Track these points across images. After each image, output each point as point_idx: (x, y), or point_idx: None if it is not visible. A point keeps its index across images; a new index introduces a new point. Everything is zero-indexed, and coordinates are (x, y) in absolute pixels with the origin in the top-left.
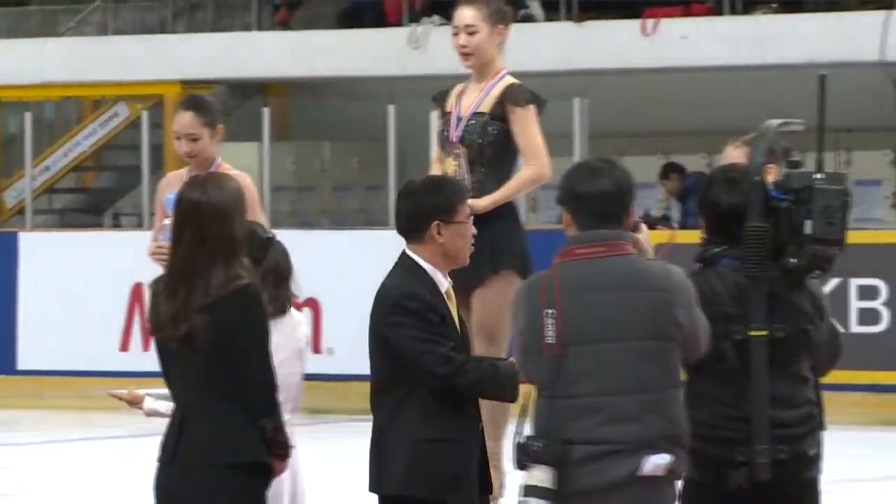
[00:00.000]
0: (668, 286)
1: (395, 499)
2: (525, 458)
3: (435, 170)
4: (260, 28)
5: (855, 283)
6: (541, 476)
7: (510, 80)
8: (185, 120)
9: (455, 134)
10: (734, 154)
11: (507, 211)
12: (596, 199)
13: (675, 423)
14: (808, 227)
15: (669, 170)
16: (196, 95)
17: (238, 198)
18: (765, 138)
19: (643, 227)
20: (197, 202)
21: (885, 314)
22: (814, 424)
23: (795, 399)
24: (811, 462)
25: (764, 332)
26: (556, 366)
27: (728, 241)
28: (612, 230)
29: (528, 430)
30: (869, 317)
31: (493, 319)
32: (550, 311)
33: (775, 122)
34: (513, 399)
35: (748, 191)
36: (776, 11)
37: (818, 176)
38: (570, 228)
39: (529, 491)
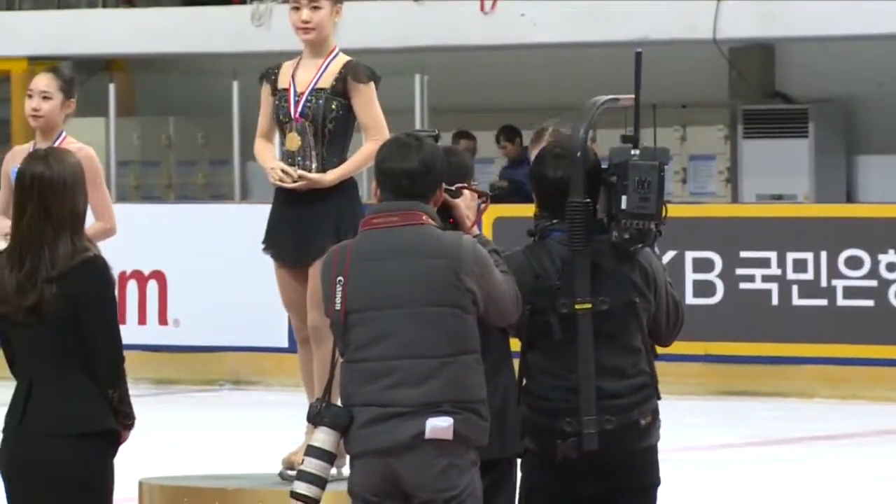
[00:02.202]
0: (454, 254)
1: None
2: (313, 419)
3: (260, 148)
4: (105, 5)
5: (690, 255)
6: (324, 438)
7: (346, 57)
8: (42, 79)
9: (296, 110)
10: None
11: (349, 185)
12: (400, 176)
13: (461, 388)
14: (623, 202)
15: (507, 135)
16: (58, 66)
17: (79, 171)
18: (590, 114)
19: (466, 193)
20: (40, 175)
21: (720, 286)
22: (647, 394)
23: (627, 370)
24: (643, 432)
25: (588, 305)
26: (343, 332)
27: (557, 215)
28: (408, 202)
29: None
30: (704, 288)
31: None
32: (340, 278)
33: (602, 97)
34: None
35: (569, 165)
36: None
37: (634, 152)
38: (375, 200)
39: (309, 451)
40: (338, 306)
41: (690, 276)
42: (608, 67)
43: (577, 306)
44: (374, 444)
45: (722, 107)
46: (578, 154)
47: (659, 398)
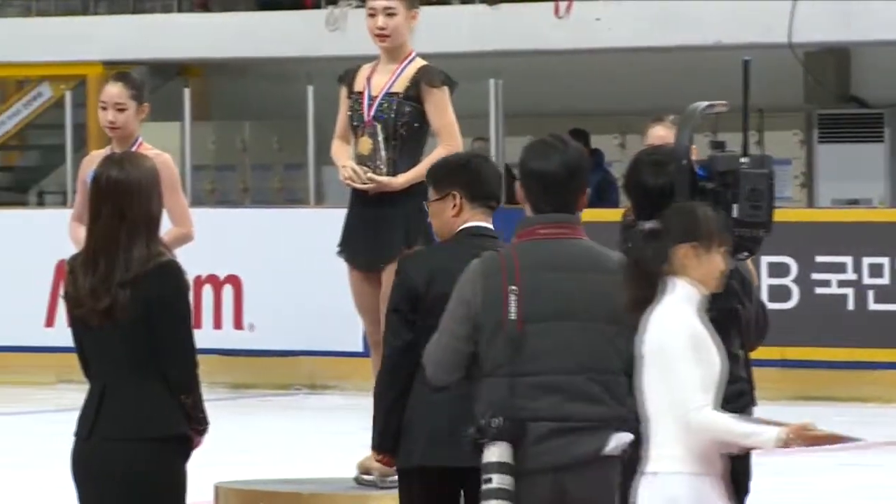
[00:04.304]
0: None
1: None
2: (482, 436)
3: (336, 148)
4: (180, 10)
5: (766, 260)
6: (500, 452)
7: (421, 61)
8: (113, 90)
9: (369, 113)
10: (663, 133)
11: (419, 189)
12: (545, 178)
13: (625, 406)
14: (735, 210)
15: (575, 138)
16: (126, 72)
17: (154, 175)
18: (691, 120)
19: None
20: (115, 179)
21: (796, 291)
22: (746, 400)
23: (728, 376)
24: None
25: None
26: (517, 343)
27: None
28: (572, 213)
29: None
30: (780, 293)
31: None
32: (513, 287)
33: (702, 104)
34: None
35: (674, 172)
36: None
37: (743, 160)
38: (525, 205)
39: (492, 468)
40: (512, 315)
41: (766, 281)
42: (682, 71)
43: None
44: (550, 461)
45: (797, 111)
46: (684, 162)
47: (755, 404)
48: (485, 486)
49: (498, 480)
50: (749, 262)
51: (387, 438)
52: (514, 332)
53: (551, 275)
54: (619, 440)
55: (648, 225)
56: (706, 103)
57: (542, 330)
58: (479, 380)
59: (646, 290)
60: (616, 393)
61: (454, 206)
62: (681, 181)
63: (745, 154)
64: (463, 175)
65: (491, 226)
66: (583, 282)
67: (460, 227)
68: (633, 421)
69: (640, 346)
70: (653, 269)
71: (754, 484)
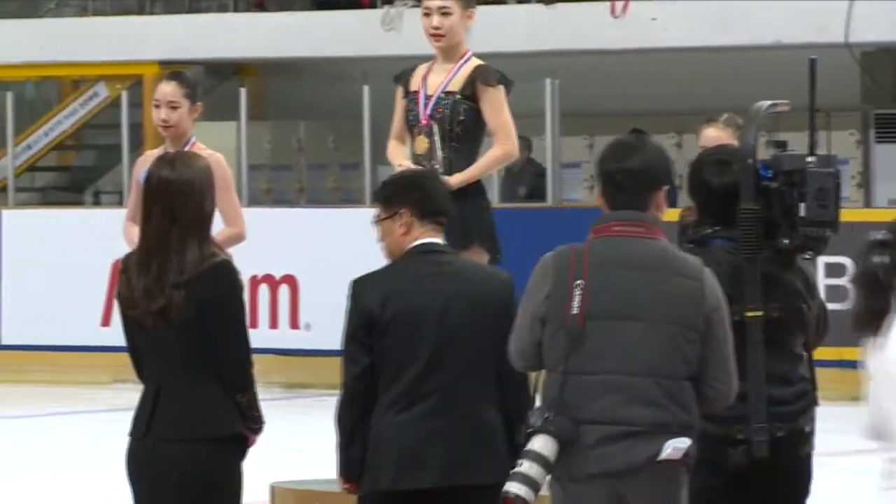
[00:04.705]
0: (700, 276)
1: None
2: (530, 427)
3: (392, 149)
4: (236, 10)
5: (823, 260)
6: (544, 445)
7: (477, 61)
8: (167, 88)
9: (425, 113)
10: (716, 134)
11: (476, 189)
12: (623, 176)
13: (689, 411)
14: (802, 209)
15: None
16: (180, 71)
17: (207, 175)
18: (756, 119)
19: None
20: (166, 179)
21: (852, 291)
22: (808, 400)
23: (791, 376)
24: (806, 438)
25: (760, 313)
26: (576, 339)
27: (720, 221)
28: (651, 213)
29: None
30: (836, 294)
31: None
32: (580, 281)
33: (765, 103)
34: None
35: (739, 172)
36: None
37: (810, 159)
38: (602, 204)
39: (526, 454)
40: (575, 310)
41: (823, 282)
42: (738, 71)
43: (748, 314)
44: (606, 466)
45: (854, 111)
46: (750, 161)
47: (817, 404)
48: (512, 470)
49: (525, 467)
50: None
51: (354, 466)
52: (574, 327)
53: (622, 272)
54: (675, 445)
55: (878, 235)
56: (769, 102)
57: (605, 328)
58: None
59: (878, 302)
60: (679, 398)
61: (402, 224)
62: (746, 180)
63: (811, 153)
64: (412, 193)
65: (442, 241)
66: (654, 282)
67: (411, 245)
68: (691, 427)
69: (883, 363)
70: (886, 281)
71: (816, 485)
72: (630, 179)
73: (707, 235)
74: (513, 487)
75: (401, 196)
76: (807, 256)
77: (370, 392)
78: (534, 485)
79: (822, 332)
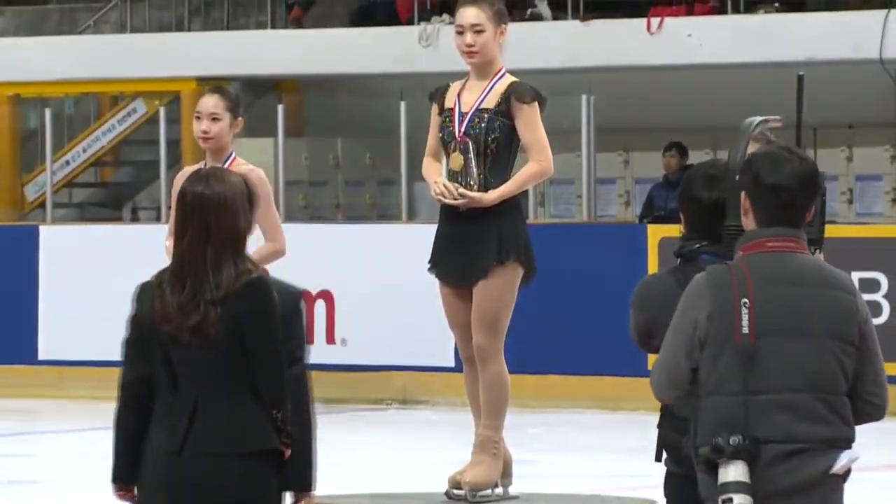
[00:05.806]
0: (853, 290)
1: None
2: (717, 455)
3: (427, 166)
4: (274, 26)
5: (856, 275)
6: (738, 471)
7: (511, 77)
8: (209, 101)
9: (460, 129)
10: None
11: (511, 204)
12: (778, 190)
13: (851, 426)
14: None
15: (679, 148)
16: (222, 86)
17: (241, 191)
18: (746, 136)
19: None
20: (200, 195)
21: (886, 307)
22: None
23: None
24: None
25: None
26: (750, 358)
27: (707, 236)
28: (799, 228)
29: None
30: (871, 309)
31: (494, 309)
32: (745, 300)
33: (756, 118)
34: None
35: (725, 189)
36: (778, 10)
37: None
38: (748, 218)
39: (732, 487)
40: (745, 330)
41: None
42: (774, 87)
43: None
44: (783, 483)
45: (888, 127)
46: (737, 177)
47: None
48: None
49: (739, 501)
50: None
51: (127, 471)
52: (748, 346)
53: (782, 289)
54: (850, 457)
55: None
56: (760, 118)
57: (773, 345)
58: (699, 397)
59: None
60: (842, 413)
61: None
62: (732, 197)
63: None
64: None
65: None
66: (813, 297)
67: None
68: (847, 442)
69: None
70: None
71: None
72: (787, 193)
73: (694, 250)
74: None
75: None
76: None
77: (146, 399)
78: None
79: None
